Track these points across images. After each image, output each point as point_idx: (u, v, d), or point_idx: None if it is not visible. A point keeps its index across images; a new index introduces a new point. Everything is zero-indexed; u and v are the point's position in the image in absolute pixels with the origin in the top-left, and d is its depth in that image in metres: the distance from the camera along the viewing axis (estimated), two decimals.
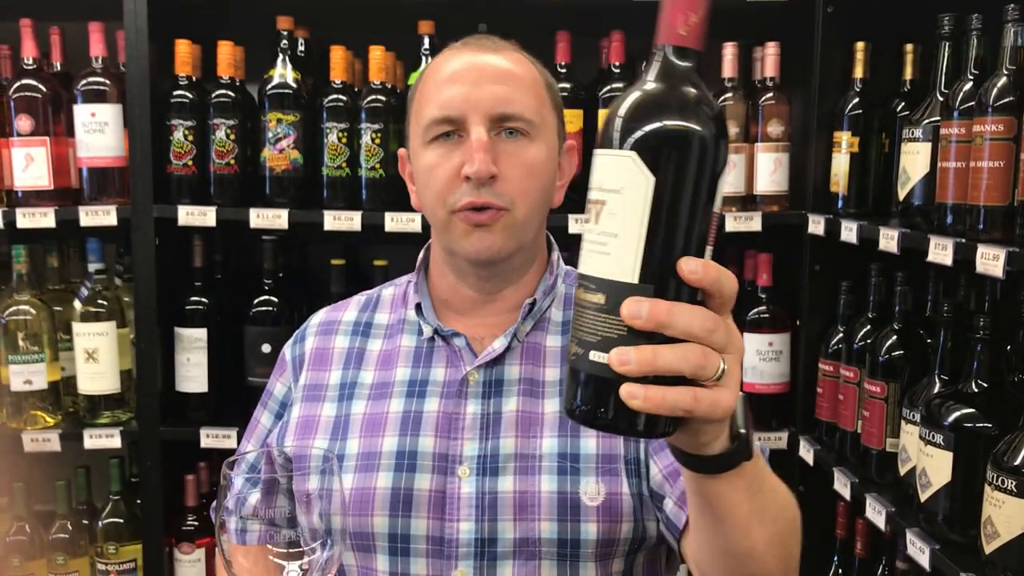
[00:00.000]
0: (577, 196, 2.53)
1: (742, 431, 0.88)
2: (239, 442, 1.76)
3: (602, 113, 2.29)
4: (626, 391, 0.75)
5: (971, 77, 1.68)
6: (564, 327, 1.35)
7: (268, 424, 1.42)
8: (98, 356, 2.37)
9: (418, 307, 1.35)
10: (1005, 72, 1.56)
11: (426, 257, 1.41)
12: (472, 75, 1.25)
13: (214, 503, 1.21)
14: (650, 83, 0.80)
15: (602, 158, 0.79)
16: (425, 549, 1.25)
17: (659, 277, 0.76)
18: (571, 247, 2.45)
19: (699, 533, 1.05)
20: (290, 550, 1.00)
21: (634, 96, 0.80)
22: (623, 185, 0.77)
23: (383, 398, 1.32)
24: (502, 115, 1.24)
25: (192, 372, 2.41)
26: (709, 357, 0.77)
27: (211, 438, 2.38)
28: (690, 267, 0.76)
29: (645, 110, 0.78)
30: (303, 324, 1.46)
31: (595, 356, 0.77)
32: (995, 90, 1.55)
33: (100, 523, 2.44)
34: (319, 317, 1.44)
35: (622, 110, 0.79)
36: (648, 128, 0.77)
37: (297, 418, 1.34)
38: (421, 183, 1.29)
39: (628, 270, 0.77)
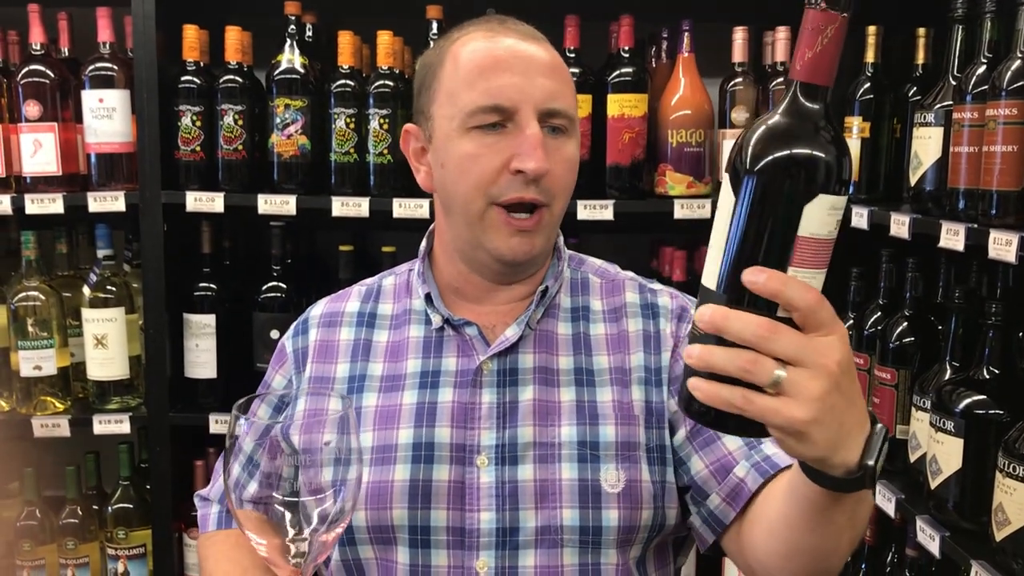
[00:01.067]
0: (587, 183, 2.53)
1: (869, 463, 0.88)
2: None
3: (611, 98, 2.28)
4: (692, 383, 0.83)
5: (984, 61, 1.67)
6: (573, 313, 1.34)
7: (265, 417, 1.38)
8: (107, 342, 2.38)
9: (427, 297, 1.33)
10: (1019, 55, 1.54)
11: (429, 244, 1.38)
12: (521, 64, 1.22)
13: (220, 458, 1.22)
14: (774, 115, 0.86)
15: (725, 177, 0.87)
16: (446, 540, 1.24)
17: (731, 287, 0.83)
18: (581, 233, 2.46)
19: (788, 531, 1.07)
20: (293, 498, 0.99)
21: (755, 124, 0.86)
22: (721, 203, 0.85)
23: (395, 390, 1.31)
24: (552, 110, 1.22)
25: (201, 358, 2.42)
26: (759, 363, 0.80)
27: (220, 424, 2.38)
28: (750, 277, 0.81)
29: (752, 138, 0.84)
30: (302, 315, 1.43)
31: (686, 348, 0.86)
32: (1009, 73, 1.53)
33: (110, 508, 2.45)
34: (320, 308, 1.42)
35: (742, 135, 0.86)
36: (738, 155, 0.84)
37: (304, 411, 1.33)
38: (454, 169, 1.24)
39: (712, 279, 0.85)
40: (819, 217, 0.83)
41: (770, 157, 0.82)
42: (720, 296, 0.83)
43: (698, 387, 0.82)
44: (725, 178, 0.85)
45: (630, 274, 1.42)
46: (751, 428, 0.85)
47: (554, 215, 1.25)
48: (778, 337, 0.80)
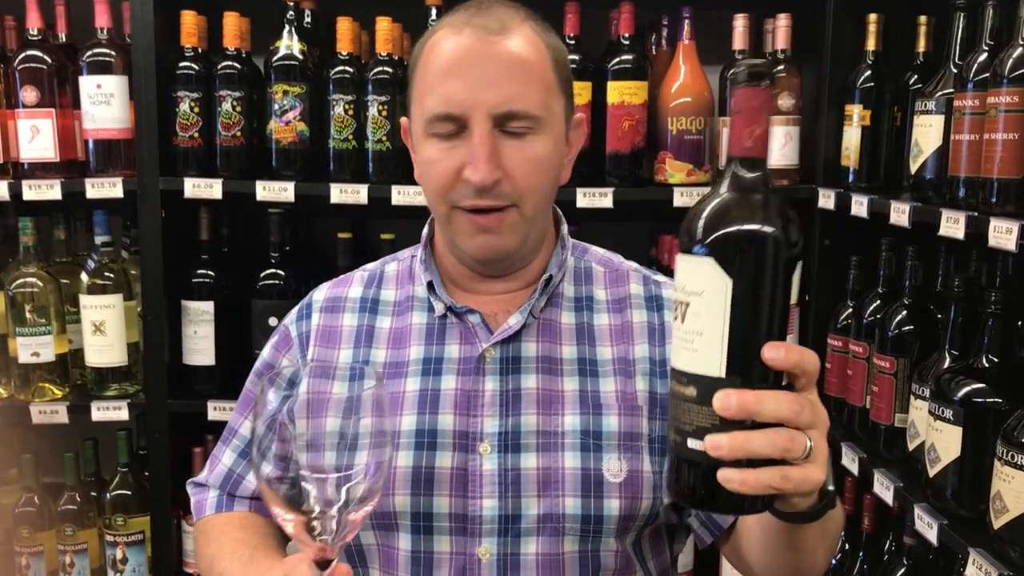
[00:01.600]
0: (586, 170, 2.52)
1: (830, 488, 0.95)
2: None
3: (611, 85, 2.27)
4: (723, 475, 0.83)
5: (986, 48, 1.66)
6: (577, 303, 1.34)
7: (275, 402, 1.39)
8: (105, 329, 2.37)
9: (429, 284, 1.33)
10: (1021, 42, 1.53)
11: (431, 231, 1.38)
12: (476, 68, 1.19)
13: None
14: (724, 192, 0.88)
15: (683, 262, 0.88)
16: (448, 527, 1.24)
17: (744, 368, 0.85)
18: (580, 221, 2.45)
19: (766, 555, 1.17)
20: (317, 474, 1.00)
21: (710, 204, 0.88)
22: (704, 288, 0.85)
23: (398, 377, 1.30)
24: (507, 114, 1.19)
25: (199, 345, 2.41)
26: (796, 440, 0.85)
27: (218, 411, 2.38)
28: (771, 354, 0.84)
29: (720, 217, 0.86)
30: (304, 300, 1.42)
31: (692, 444, 0.86)
32: (1011, 61, 1.52)
33: (108, 495, 2.45)
34: (323, 293, 1.41)
35: (700, 218, 0.87)
36: (723, 234, 0.85)
37: (307, 393, 1.33)
38: (423, 171, 1.26)
39: (715, 365, 0.85)
40: (795, 284, 0.88)
41: (770, 233, 0.85)
42: (732, 380, 0.84)
43: (733, 478, 0.83)
44: (701, 260, 0.85)
45: (634, 265, 1.42)
46: (764, 503, 0.89)
47: (524, 214, 1.23)
48: (804, 408, 0.85)
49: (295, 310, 1.42)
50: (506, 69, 1.19)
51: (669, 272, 1.48)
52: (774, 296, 0.86)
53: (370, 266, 1.44)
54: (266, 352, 1.42)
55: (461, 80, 1.18)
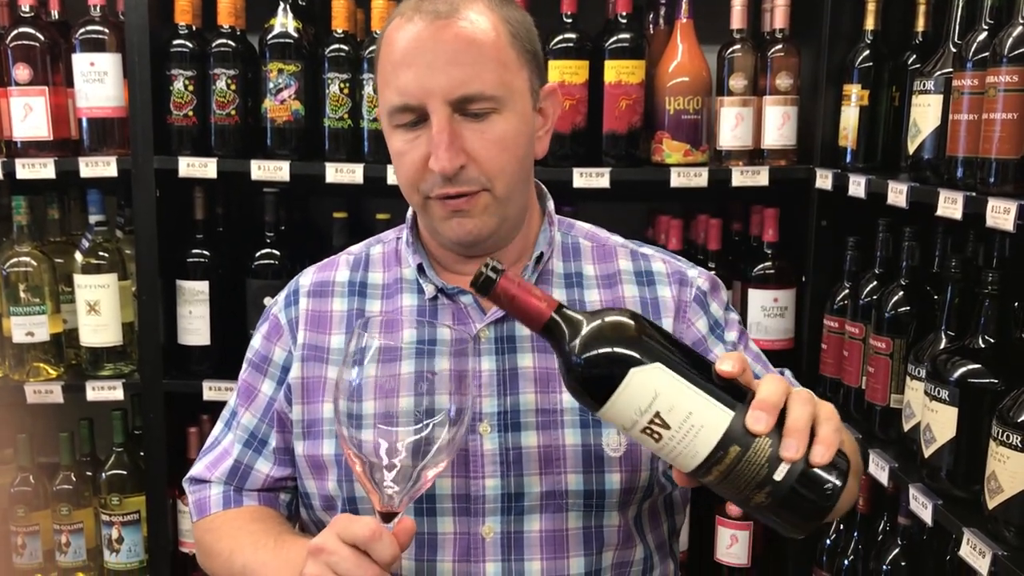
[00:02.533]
0: (583, 150, 2.51)
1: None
2: None
3: (608, 64, 2.25)
4: (814, 457, 0.92)
5: (985, 27, 1.65)
6: (567, 279, 1.34)
7: (270, 392, 1.36)
8: (100, 308, 2.37)
9: (419, 267, 1.32)
10: (1021, 21, 1.52)
11: (415, 213, 1.37)
12: (425, 56, 1.17)
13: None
14: (575, 346, 0.97)
15: (618, 404, 0.94)
16: (451, 508, 1.24)
17: (729, 395, 0.94)
18: (577, 201, 2.44)
19: None
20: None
21: (585, 361, 0.96)
22: (652, 389, 0.92)
23: (392, 360, 1.30)
24: (463, 97, 1.17)
25: (194, 325, 2.41)
26: (802, 392, 0.97)
27: (213, 391, 2.38)
28: (726, 369, 0.95)
29: (604, 354, 0.95)
30: (290, 285, 1.40)
31: (779, 474, 0.92)
32: (1010, 40, 1.51)
33: (104, 475, 2.45)
34: (308, 278, 1.39)
35: (589, 375, 0.96)
36: (616, 352, 0.94)
37: (300, 378, 1.32)
38: (394, 164, 1.26)
39: (721, 417, 0.92)
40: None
41: (637, 318, 0.98)
42: (738, 410, 0.94)
43: (819, 452, 0.93)
44: (625, 383, 0.93)
45: (620, 239, 1.42)
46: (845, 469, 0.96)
47: (497, 196, 1.22)
48: (780, 379, 0.98)
49: (281, 296, 1.40)
50: (456, 53, 1.17)
51: (666, 249, 1.48)
52: (672, 342, 0.97)
53: (354, 249, 1.43)
54: (257, 342, 1.40)
55: (413, 70, 1.18)
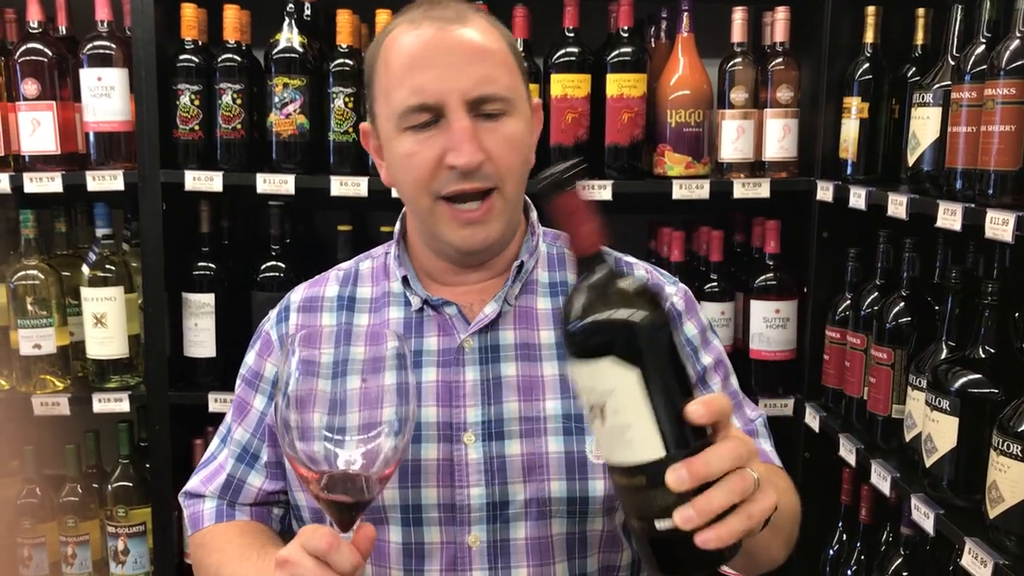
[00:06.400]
0: (585, 163, 2.52)
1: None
2: None
3: (610, 77, 2.27)
4: (701, 540, 0.86)
5: (983, 40, 1.67)
6: (552, 288, 1.35)
7: (261, 407, 1.38)
8: (106, 321, 2.38)
9: (404, 279, 1.33)
10: (1019, 35, 1.54)
11: (403, 227, 1.39)
12: (443, 56, 1.20)
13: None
14: (588, 297, 0.91)
15: (580, 369, 0.90)
16: (437, 517, 1.25)
17: (678, 437, 0.88)
18: None
19: None
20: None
21: (582, 311, 0.91)
22: (615, 385, 0.87)
23: (378, 372, 1.31)
24: (481, 97, 1.20)
25: (200, 337, 2.42)
26: (747, 477, 0.89)
27: (219, 403, 2.39)
28: (696, 413, 0.87)
29: (598, 321, 0.89)
30: (281, 302, 1.42)
31: (661, 525, 0.88)
32: (1008, 53, 1.53)
33: (110, 486, 2.46)
34: (299, 294, 1.41)
35: (579, 326, 0.90)
36: (610, 334, 0.89)
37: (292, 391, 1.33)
38: (398, 168, 1.25)
39: (653, 447, 0.87)
40: (681, 343, 0.94)
41: (647, 319, 0.88)
42: (674, 455, 0.87)
43: (710, 538, 0.86)
44: (598, 363, 0.88)
45: (605, 249, 1.43)
46: (735, 548, 0.90)
47: (507, 198, 1.24)
48: (741, 449, 0.89)
49: (273, 313, 1.42)
50: (473, 54, 1.21)
51: (669, 266, 1.49)
52: (673, 363, 0.89)
53: (344, 265, 1.44)
54: (250, 359, 1.42)
55: (431, 70, 1.19)
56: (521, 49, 1.30)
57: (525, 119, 1.26)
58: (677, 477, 0.86)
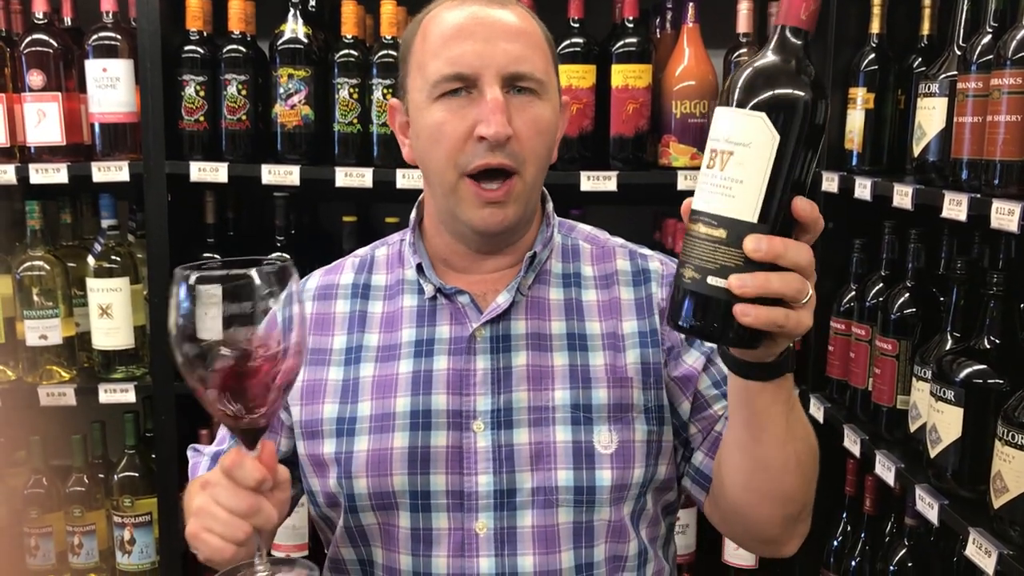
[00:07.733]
0: (590, 154, 2.51)
1: (789, 345, 1.03)
2: None
3: (615, 68, 2.27)
4: (740, 309, 0.92)
5: (990, 30, 1.66)
6: (565, 279, 1.36)
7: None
8: (112, 312, 2.39)
9: (418, 267, 1.34)
10: None
11: (419, 214, 1.40)
12: (483, 30, 1.23)
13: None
14: (775, 57, 0.95)
15: (731, 114, 0.94)
16: (446, 504, 1.27)
17: (774, 217, 0.92)
18: (584, 204, 2.45)
19: (739, 450, 1.18)
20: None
21: (764, 66, 0.94)
22: (752, 140, 0.92)
23: (391, 360, 1.32)
24: (515, 74, 1.23)
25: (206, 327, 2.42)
26: (805, 285, 0.94)
27: None
28: (803, 207, 0.93)
29: (774, 80, 0.93)
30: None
31: (713, 281, 0.93)
32: (1014, 42, 1.52)
33: (116, 477, 2.47)
34: (315, 281, 1.42)
35: (753, 75, 0.94)
36: (778, 95, 0.92)
37: (301, 381, 1.34)
38: (426, 139, 1.26)
39: (749, 211, 0.92)
40: (821, 145, 0.96)
41: (815, 97, 0.93)
42: (761, 227, 0.92)
43: (749, 313, 0.91)
44: (752, 115, 0.92)
45: (620, 241, 1.44)
46: (759, 339, 0.96)
47: (526, 183, 1.25)
48: (812, 260, 0.95)
49: None
50: (512, 34, 1.24)
51: (673, 254, 1.49)
52: (810, 156, 0.94)
53: (360, 252, 1.45)
54: None
55: (470, 41, 1.22)
56: None
57: (554, 108, 1.28)
58: (756, 244, 0.91)
